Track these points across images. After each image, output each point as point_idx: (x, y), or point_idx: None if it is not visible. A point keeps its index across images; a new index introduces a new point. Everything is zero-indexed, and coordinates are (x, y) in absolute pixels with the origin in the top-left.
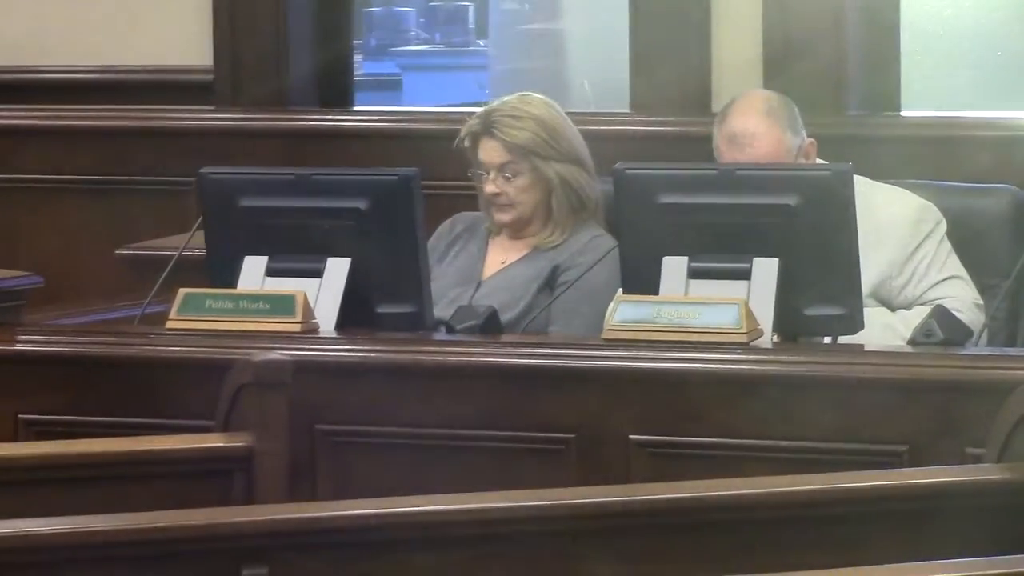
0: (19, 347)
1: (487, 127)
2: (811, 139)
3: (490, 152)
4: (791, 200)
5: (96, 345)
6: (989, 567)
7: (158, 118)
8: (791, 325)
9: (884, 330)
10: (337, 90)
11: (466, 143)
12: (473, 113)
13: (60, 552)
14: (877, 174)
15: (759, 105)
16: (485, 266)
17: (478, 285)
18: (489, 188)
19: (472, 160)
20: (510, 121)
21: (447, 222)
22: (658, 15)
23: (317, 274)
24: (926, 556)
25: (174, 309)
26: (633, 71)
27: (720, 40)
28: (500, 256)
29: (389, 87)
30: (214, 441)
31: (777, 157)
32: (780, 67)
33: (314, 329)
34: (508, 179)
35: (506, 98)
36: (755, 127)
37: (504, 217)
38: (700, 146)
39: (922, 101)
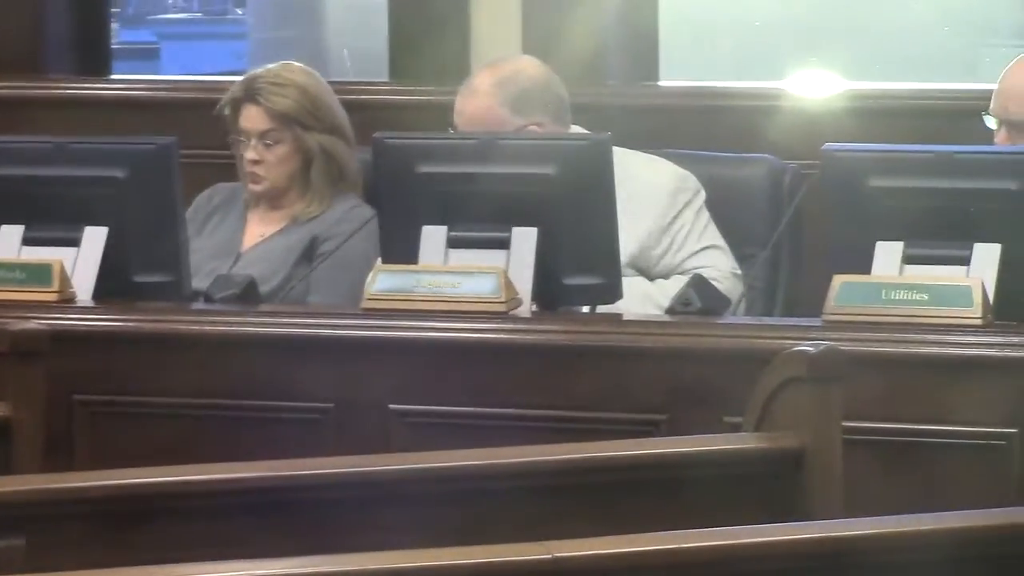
0: None
1: (250, 93)
2: (541, 124)
3: (252, 119)
4: (550, 169)
5: None
6: (745, 535)
7: None
8: (550, 294)
9: (643, 299)
10: (94, 58)
11: (227, 110)
12: (233, 82)
13: None
14: (636, 144)
15: (502, 71)
16: (244, 238)
17: (237, 257)
18: (249, 155)
19: (232, 127)
20: (274, 88)
21: (205, 193)
22: None
23: (74, 243)
24: (683, 525)
25: None
26: (392, 41)
27: (479, 9)
28: (259, 228)
29: (147, 56)
30: None
31: (483, 123)
32: (539, 34)
33: (71, 298)
34: (268, 146)
35: (268, 66)
36: (479, 85)
37: (257, 188)
38: None
39: (681, 71)
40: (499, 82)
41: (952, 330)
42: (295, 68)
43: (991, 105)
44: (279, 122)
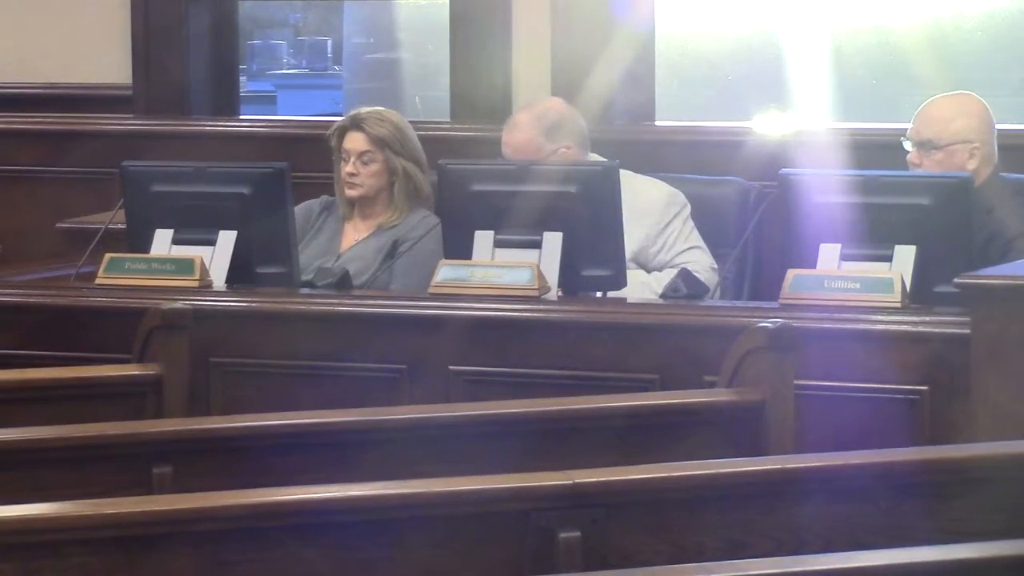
0: None
1: (356, 122)
2: (569, 148)
3: (356, 141)
4: (572, 188)
5: (41, 296)
6: (718, 467)
7: (91, 123)
8: (572, 283)
9: (642, 287)
10: (227, 103)
11: (334, 135)
12: (331, 121)
13: (12, 454)
14: (638, 168)
15: (537, 109)
16: (342, 241)
17: (338, 256)
18: (348, 168)
19: (336, 148)
20: (375, 120)
21: (315, 200)
22: (471, 47)
23: (211, 243)
24: (672, 458)
25: (101, 269)
26: (452, 89)
27: (518, 68)
28: (353, 234)
29: (266, 101)
30: (132, 370)
31: (525, 150)
32: (564, 89)
33: (209, 285)
34: (364, 163)
35: (367, 108)
36: (521, 121)
37: (352, 193)
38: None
39: (672, 114)
40: (535, 117)
41: (877, 311)
42: (391, 111)
43: (908, 131)
44: (376, 145)
